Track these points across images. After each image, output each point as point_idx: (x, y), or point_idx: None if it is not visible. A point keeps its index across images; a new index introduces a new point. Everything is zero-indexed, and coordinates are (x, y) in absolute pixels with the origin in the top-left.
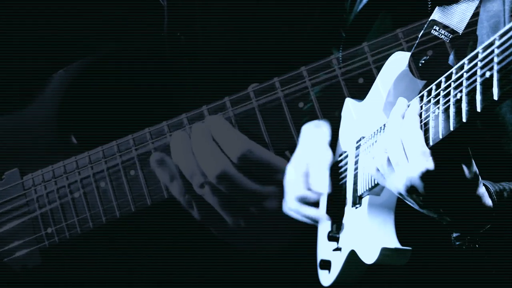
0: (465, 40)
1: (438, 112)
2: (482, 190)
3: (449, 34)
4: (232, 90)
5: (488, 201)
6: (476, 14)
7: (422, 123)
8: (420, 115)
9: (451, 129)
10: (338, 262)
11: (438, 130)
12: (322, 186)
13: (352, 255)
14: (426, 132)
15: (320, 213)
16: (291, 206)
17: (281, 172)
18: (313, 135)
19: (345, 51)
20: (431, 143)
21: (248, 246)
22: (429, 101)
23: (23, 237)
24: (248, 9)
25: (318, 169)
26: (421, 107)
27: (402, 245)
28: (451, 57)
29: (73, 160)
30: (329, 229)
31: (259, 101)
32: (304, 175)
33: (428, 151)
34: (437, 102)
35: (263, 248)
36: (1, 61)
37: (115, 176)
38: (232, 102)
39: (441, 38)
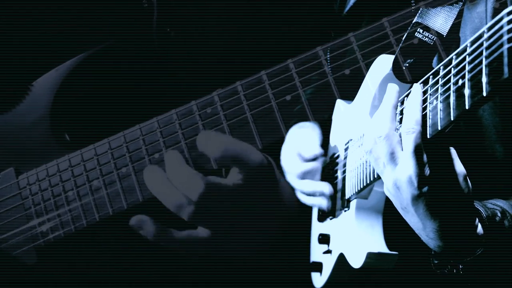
0: (449, 42)
1: (437, 103)
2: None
3: (433, 37)
4: (225, 83)
5: (479, 228)
6: (459, 16)
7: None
8: (424, 101)
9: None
10: (328, 264)
11: (437, 120)
12: (315, 149)
13: (341, 258)
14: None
15: (321, 185)
16: (296, 186)
17: (253, 153)
18: (300, 133)
19: (331, 42)
20: (429, 135)
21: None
22: (426, 91)
23: (19, 236)
24: (244, 4)
25: (307, 141)
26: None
27: (391, 249)
28: (435, 59)
29: (66, 158)
30: (320, 231)
31: (246, 96)
32: (297, 154)
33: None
34: (437, 90)
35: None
36: None
37: (107, 174)
38: (220, 97)
39: (425, 40)
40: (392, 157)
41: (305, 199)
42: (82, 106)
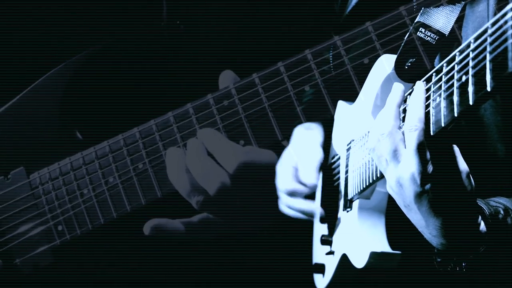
0: (451, 42)
1: (440, 100)
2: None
3: (435, 36)
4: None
5: (482, 226)
6: (461, 16)
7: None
8: (427, 98)
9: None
10: (331, 265)
11: (440, 118)
12: (311, 178)
13: (344, 259)
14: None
15: (312, 206)
16: (282, 200)
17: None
18: (304, 136)
19: (348, 33)
20: (432, 131)
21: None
22: (429, 89)
23: (34, 237)
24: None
25: (307, 162)
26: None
27: (394, 248)
28: (437, 59)
29: (80, 156)
30: (323, 232)
31: (264, 88)
32: (293, 169)
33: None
34: (440, 88)
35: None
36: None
37: (123, 170)
38: (237, 89)
39: (427, 40)
40: (395, 154)
41: (288, 212)
42: (92, 102)
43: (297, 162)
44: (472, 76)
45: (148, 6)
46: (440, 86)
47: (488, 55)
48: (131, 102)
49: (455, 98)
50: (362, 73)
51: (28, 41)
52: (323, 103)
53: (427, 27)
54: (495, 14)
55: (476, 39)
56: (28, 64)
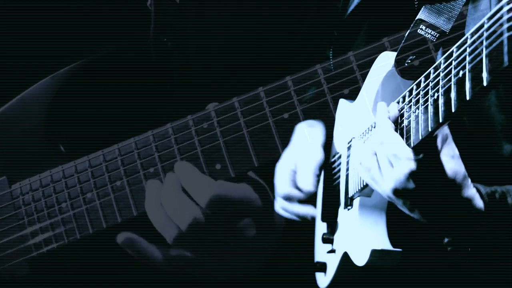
0: (453, 39)
1: (418, 113)
2: (471, 192)
3: (435, 34)
4: (221, 96)
5: (479, 203)
6: (463, 13)
7: (404, 125)
8: (401, 117)
9: (430, 129)
10: (333, 264)
11: (418, 130)
12: (308, 184)
13: (346, 257)
14: (407, 132)
15: (307, 210)
16: (279, 203)
17: (254, 201)
18: (306, 134)
19: (331, 61)
20: (412, 144)
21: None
22: (409, 101)
23: (11, 247)
24: (242, 14)
25: (305, 166)
26: (401, 109)
27: (395, 246)
28: (439, 57)
29: (60, 169)
30: (324, 230)
31: (244, 112)
32: (291, 172)
33: (409, 152)
34: (417, 102)
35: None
36: None
37: (101, 186)
38: (217, 112)
39: (428, 37)
40: (380, 171)
41: (284, 214)
42: (77, 116)
43: (296, 164)
44: (469, 71)
45: (135, 22)
46: (438, 82)
47: (484, 49)
48: (116, 117)
49: (453, 94)
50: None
51: (14, 52)
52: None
53: (427, 24)
54: None
55: (472, 34)
56: (13, 76)
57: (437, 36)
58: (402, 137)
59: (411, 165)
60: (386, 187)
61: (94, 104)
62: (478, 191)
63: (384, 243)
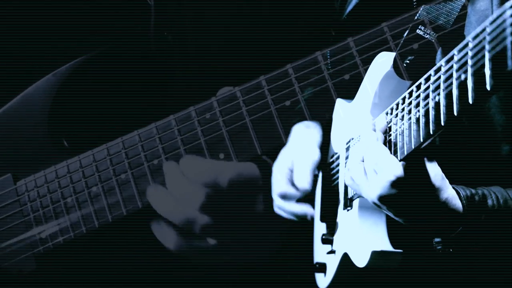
0: (452, 39)
1: (403, 128)
2: (449, 193)
3: (434, 34)
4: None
5: (458, 205)
6: (463, 13)
7: (392, 137)
8: (389, 129)
9: (421, 140)
10: (332, 265)
11: (403, 144)
12: (304, 182)
13: (345, 258)
14: (395, 145)
15: (305, 209)
16: (275, 202)
17: (260, 178)
18: (303, 134)
19: (330, 47)
20: (399, 156)
21: (240, 255)
22: (396, 115)
23: (18, 243)
24: (240, 8)
25: (302, 165)
26: (389, 121)
27: (395, 247)
28: (438, 56)
29: (65, 164)
30: (324, 231)
31: (246, 101)
32: (288, 171)
33: (393, 161)
34: (408, 113)
35: (254, 255)
36: None
37: (106, 180)
38: (219, 102)
39: (426, 37)
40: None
41: (280, 213)
42: (80, 111)
43: (293, 163)
44: (472, 74)
45: (137, 16)
46: (439, 86)
47: (487, 53)
48: (118, 112)
49: (455, 97)
50: (343, 90)
51: (16, 49)
52: (303, 117)
53: (426, 24)
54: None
55: (474, 37)
56: (16, 73)
57: (435, 36)
58: (390, 148)
59: (396, 173)
60: (371, 193)
61: (96, 99)
62: (458, 193)
63: (385, 244)
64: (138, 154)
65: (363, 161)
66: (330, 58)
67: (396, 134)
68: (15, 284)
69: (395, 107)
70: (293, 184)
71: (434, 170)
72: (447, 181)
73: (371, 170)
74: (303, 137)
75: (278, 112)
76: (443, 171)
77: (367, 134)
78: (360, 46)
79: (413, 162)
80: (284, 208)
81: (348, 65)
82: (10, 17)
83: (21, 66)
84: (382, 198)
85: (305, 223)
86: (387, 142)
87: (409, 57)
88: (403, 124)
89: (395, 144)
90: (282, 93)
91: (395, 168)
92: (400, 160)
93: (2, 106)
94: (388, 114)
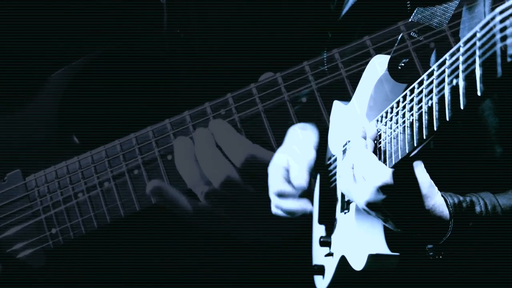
0: (446, 42)
1: (392, 134)
2: (437, 201)
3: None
4: (233, 86)
5: (445, 213)
6: (456, 15)
7: (381, 144)
8: (380, 136)
9: (415, 145)
10: (330, 267)
11: (397, 148)
12: (301, 179)
13: (343, 260)
14: (385, 152)
15: (303, 205)
16: (273, 202)
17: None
18: (298, 136)
19: (347, 45)
20: (393, 161)
21: (255, 237)
22: (391, 118)
23: (27, 238)
24: (243, 7)
25: (297, 164)
26: (379, 129)
27: (393, 250)
28: (432, 59)
29: (76, 160)
30: (322, 233)
31: (262, 98)
32: (284, 170)
33: (381, 168)
34: (402, 117)
35: (269, 239)
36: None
37: (118, 175)
38: (234, 98)
39: (421, 40)
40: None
41: (278, 212)
42: (90, 107)
43: (289, 163)
44: (463, 79)
45: (148, 13)
46: (431, 90)
47: (477, 59)
48: (129, 108)
49: (447, 102)
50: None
51: (28, 45)
52: (318, 110)
53: (420, 26)
54: None
55: (465, 42)
56: (28, 68)
57: (432, 39)
58: (380, 154)
59: (383, 179)
60: (360, 199)
61: (106, 95)
62: (445, 201)
63: (381, 247)
64: (152, 150)
65: (353, 168)
66: (346, 56)
67: (388, 140)
68: (24, 280)
69: (389, 110)
70: (289, 183)
71: (422, 177)
72: (435, 188)
73: (359, 176)
74: (299, 138)
75: (293, 107)
76: (436, 174)
77: (356, 141)
78: (377, 44)
79: (403, 168)
80: (281, 206)
81: (364, 63)
82: (21, 12)
83: (32, 62)
84: (370, 204)
85: (304, 223)
86: (377, 149)
87: (403, 60)
88: (397, 128)
89: (385, 152)
90: (298, 90)
91: (383, 175)
92: (392, 166)
93: (12, 103)
94: (379, 122)
